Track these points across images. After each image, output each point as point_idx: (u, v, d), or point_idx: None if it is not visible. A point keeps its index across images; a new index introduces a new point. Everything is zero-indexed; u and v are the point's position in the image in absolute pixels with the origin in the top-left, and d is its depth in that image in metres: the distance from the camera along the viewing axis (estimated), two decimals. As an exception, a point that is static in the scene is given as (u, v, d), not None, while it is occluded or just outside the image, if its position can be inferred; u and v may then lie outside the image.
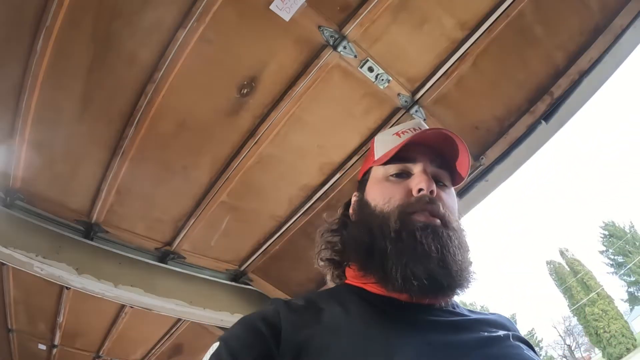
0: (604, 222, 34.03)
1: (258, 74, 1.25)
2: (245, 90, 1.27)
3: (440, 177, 0.70)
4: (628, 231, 32.21)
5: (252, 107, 1.28)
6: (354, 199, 0.77)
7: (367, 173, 0.75)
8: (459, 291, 0.61)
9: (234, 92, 1.28)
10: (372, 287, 0.64)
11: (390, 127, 1.39)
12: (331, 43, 1.19)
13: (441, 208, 0.64)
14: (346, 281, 0.71)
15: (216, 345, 0.56)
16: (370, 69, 1.26)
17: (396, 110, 1.36)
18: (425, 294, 0.59)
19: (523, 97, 1.50)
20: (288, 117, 1.29)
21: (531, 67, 1.46)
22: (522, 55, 1.43)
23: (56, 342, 2.34)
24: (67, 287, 1.97)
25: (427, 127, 0.78)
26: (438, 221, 0.63)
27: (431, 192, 0.64)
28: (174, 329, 2.12)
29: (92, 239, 1.66)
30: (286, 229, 1.55)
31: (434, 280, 0.58)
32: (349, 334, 0.55)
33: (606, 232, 33.33)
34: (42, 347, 2.43)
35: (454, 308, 0.66)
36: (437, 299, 0.62)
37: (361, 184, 0.76)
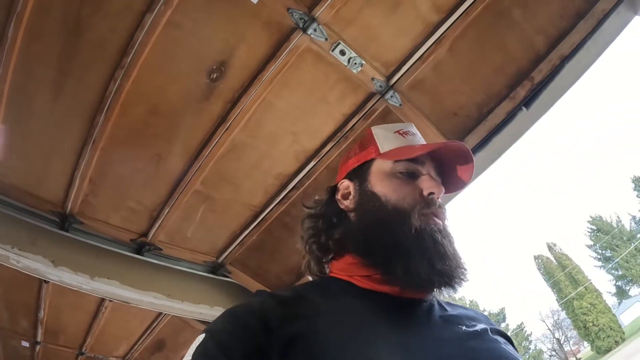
0: (591, 216, 34.29)
1: (227, 59, 1.22)
2: (215, 75, 1.24)
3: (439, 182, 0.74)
4: (615, 226, 32.39)
5: (223, 92, 1.25)
6: (343, 187, 0.76)
7: (366, 164, 0.75)
8: (461, 286, 0.65)
9: (203, 77, 1.25)
10: (361, 281, 0.65)
11: (365, 113, 1.36)
12: (301, 26, 1.16)
13: (443, 213, 0.69)
14: (331, 274, 0.71)
15: (202, 337, 0.54)
16: (342, 52, 1.23)
17: (371, 95, 1.34)
18: (432, 288, 0.63)
19: (502, 82, 1.47)
20: (259, 103, 1.26)
21: (510, 52, 1.44)
22: (500, 39, 1.41)
23: (39, 338, 2.31)
24: (45, 281, 1.95)
25: (417, 131, 0.82)
26: (442, 224, 0.67)
27: (439, 197, 0.69)
28: (155, 324, 2.09)
29: (67, 230, 1.63)
30: (262, 218, 1.52)
31: (448, 277, 0.62)
32: (339, 326, 0.55)
33: (593, 227, 33.53)
34: (25, 344, 2.40)
35: (438, 302, 0.68)
36: (431, 293, 0.65)
37: (356, 173, 0.76)
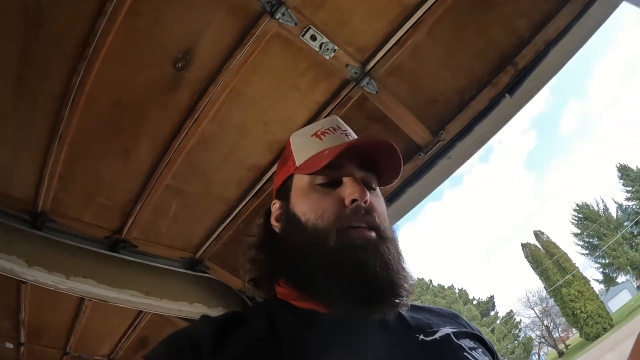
0: (577, 204, 34.42)
1: (193, 46, 1.17)
2: (180, 64, 1.18)
3: (369, 181, 0.67)
4: (602, 214, 32.59)
5: (189, 82, 1.20)
6: (275, 208, 0.72)
7: (287, 180, 0.70)
8: (398, 304, 0.59)
9: (169, 67, 1.19)
10: (302, 303, 0.61)
11: (340, 101, 1.31)
12: (268, 10, 1.11)
13: (377, 218, 0.62)
14: (276, 295, 0.67)
15: None
16: (313, 38, 1.18)
17: (346, 82, 1.29)
18: (368, 312, 0.57)
19: (484, 67, 1.42)
20: (228, 92, 1.21)
21: (492, 36, 1.38)
22: (482, 22, 1.36)
23: (22, 339, 2.28)
24: (23, 282, 1.91)
25: (342, 124, 0.74)
26: (374, 234, 0.61)
27: (365, 201, 0.61)
28: (136, 322, 2.05)
29: (40, 229, 1.58)
30: (238, 212, 1.48)
31: (379, 300, 0.57)
32: (269, 352, 0.53)
33: (580, 215, 33.69)
34: (10, 345, 2.37)
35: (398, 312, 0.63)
36: (376, 314, 0.59)
37: (281, 192, 0.71)
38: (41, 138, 1.37)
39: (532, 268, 30.78)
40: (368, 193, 0.62)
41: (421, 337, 0.58)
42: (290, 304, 0.62)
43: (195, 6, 1.10)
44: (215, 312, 1.67)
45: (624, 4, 1.37)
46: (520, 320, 36.28)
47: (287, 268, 0.64)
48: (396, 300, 0.57)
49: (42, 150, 1.39)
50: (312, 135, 0.71)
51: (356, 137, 0.74)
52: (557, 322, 32.61)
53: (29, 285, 1.89)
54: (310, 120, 1.33)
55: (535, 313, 33.83)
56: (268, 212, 0.74)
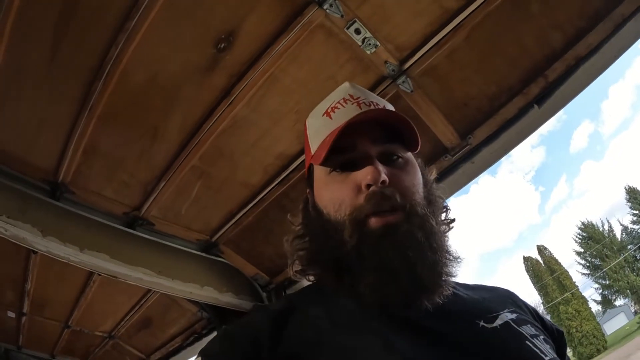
0: (582, 223, 34.45)
1: (236, 29, 1.16)
2: (223, 45, 1.18)
3: (391, 151, 0.59)
4: (607, 235, 32.68)
5: (228, 64, 1.20)
6: (307, 198, 0.67)
7: (309, 169, 0.66)
8: (439, 289, 0.54)
9: (210, 47, 1.19)
10: (349, 295, 0.55)
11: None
12: (317, -1, 1.11)
13: (398, 198, 0.54)
14: (324, 284, 0.62)
15: None
16: (357, 31, 1.18)
17: (382, 79, 1.29)
18: (412, 302, 0.52)
19: (516, 77, 1.43)
20: (266, 78, 1.21)
21: (526, 47, 1.39)
22: (517, 31, 1.36)
23: (25, 310, 2.27)
24: (34, 252, 1.90)
25: (355, 90, 0.66)
26: (401, 215, 0.54)
27: (382, 182, 0.54)
28: (143, 301, 2.05)
29: (58, 200, 1.58)
30: (260, 199, 1.48)
31: (410, 293, 0.52)
32: (329, 345, 0.50)
33: (584, 234, 33.73)
34: (12, 314, 2.36)
35: (454, 293, 0.57)
36: (422, 302, 0.53)
37: (308, 181, 0.66)
38: (70, 109, 1.36)
39: (532, 282, 30.85)
40: (383, 172, 0.54)
41: (482, 323, 0.53)
42: (335, 295, 0.57)
43: (243, -11, 1.10)
44: (225, 297, 1.67)
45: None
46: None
47: (320, 265, 0.60)
48: (441, 281, 0.54)
49: (70, 121, 1.39)
50: (323, 115, 0.64)
51: (372, 99, 0.66)
52: (552, 338, 32.90)
53: (39, 255, 1.88)
54: (343, 114, 1.33)
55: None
56: (307, 200, 0.68)
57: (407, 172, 0.59)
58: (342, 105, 0.63)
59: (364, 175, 0.55)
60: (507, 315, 0.56)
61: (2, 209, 1.49)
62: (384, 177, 0.54)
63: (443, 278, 0.54)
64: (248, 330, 0.53)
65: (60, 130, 1.41)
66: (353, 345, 0.49)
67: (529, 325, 0.56)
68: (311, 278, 0.64)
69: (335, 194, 0.57)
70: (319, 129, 0.63)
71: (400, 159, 0.59)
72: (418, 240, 0.53)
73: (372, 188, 0.54)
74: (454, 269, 0.56)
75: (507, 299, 0.63)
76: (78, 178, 1.51)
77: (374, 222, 0.53)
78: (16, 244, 1.54)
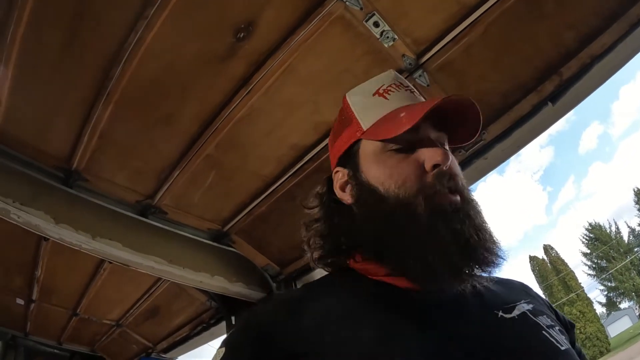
0: (590, 224, 34.34)
1: (256, 18, 1.17)
2: (242, 34, 1.19)
3: (441, 141, 0.61)
4: (614, 237, 32.59)
5: (248, 53, 1.21)
6: (339, 176, 0.66)
7: (354, 145, 0.64)
8: (494, 267, 0.56)
9: (229, 36, 1.20)
10: (385, 278, 0.57)
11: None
12: (336, -9, 1.12)
13: (460, 182, 0.58)
14: (350, 266, 0.62)
15: (222, 352, 0.53)
16: (376, 24, 1.19)
17: (399, 72, 1.29)
18: (462, 281, 0.54)
19: (530, 74, 1.43)
20: (284, 69, 1.22)
21: (540, 44, 1.40)
22: (532, 29, 1.37)
23: (34, 297, 2.28)
24: (45, 239, 1.91)
25: (403, 79, 0.68)
26: (459, 199, 0.56)
27: (447, 165, 0.56)
28: (151, 290, 2.07)
29: (71, 187, 1.59)
30: (273, 190, 1.49)
31: (477, 262, 0.54)
32: (352, 329, 0.50)
33: (591, 235, 33.61)
34: (20, 301, 2.37)
35: (474, 285, 0.58)
36: (462, 283, 0.55)
37: (346, 158, 0.65)
38: (86, 95, 1.36)
39: (537, 282, 30.75)
40: (451, 156, 0.57)
41: (500, 313, 0.54)
42: (369, 278, 0.59)
43: (263, -20, 1.10)
44: (235, 287, 1.69)
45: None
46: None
47: (368, 241, 0.59)
48: (494, 264, 0.55)
49: (86, 107, 1.39)
50: (374, 94, 0.65)
51: (415, 91, 0.68)
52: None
53: (50, 242, 1.89)
54: (359, 106, 1.34)
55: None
56: (330, 181, 0.68)
57: (454, 162, 0.61)
58: (395, 89, 0.65)
59: (432, 154, 0.56)
60: (524, 306, 0.57)
61: (16, 196, 1.50)
62: (451, 158, 0.57)
63: (500, 258, 0.56)
64: (264, 319, 0.55)
65: (75, 117, 1.42)
66: (368, 335, 0.49)
67: (544, 316, 0.57)
68: (328, 268, 0.65)
69: (397, 171, 0.58)
70: (371, 107, 0.64)
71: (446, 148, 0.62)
72: (480, 220, 0.57)
73: (439, 168, 0.56)
74: (505, 253, 0.58)
75: (521, 290, 0.64)
76: (91, 165, 1.52)
77: (442, 199, 0.55)
78: (27, 231, 1.55)
